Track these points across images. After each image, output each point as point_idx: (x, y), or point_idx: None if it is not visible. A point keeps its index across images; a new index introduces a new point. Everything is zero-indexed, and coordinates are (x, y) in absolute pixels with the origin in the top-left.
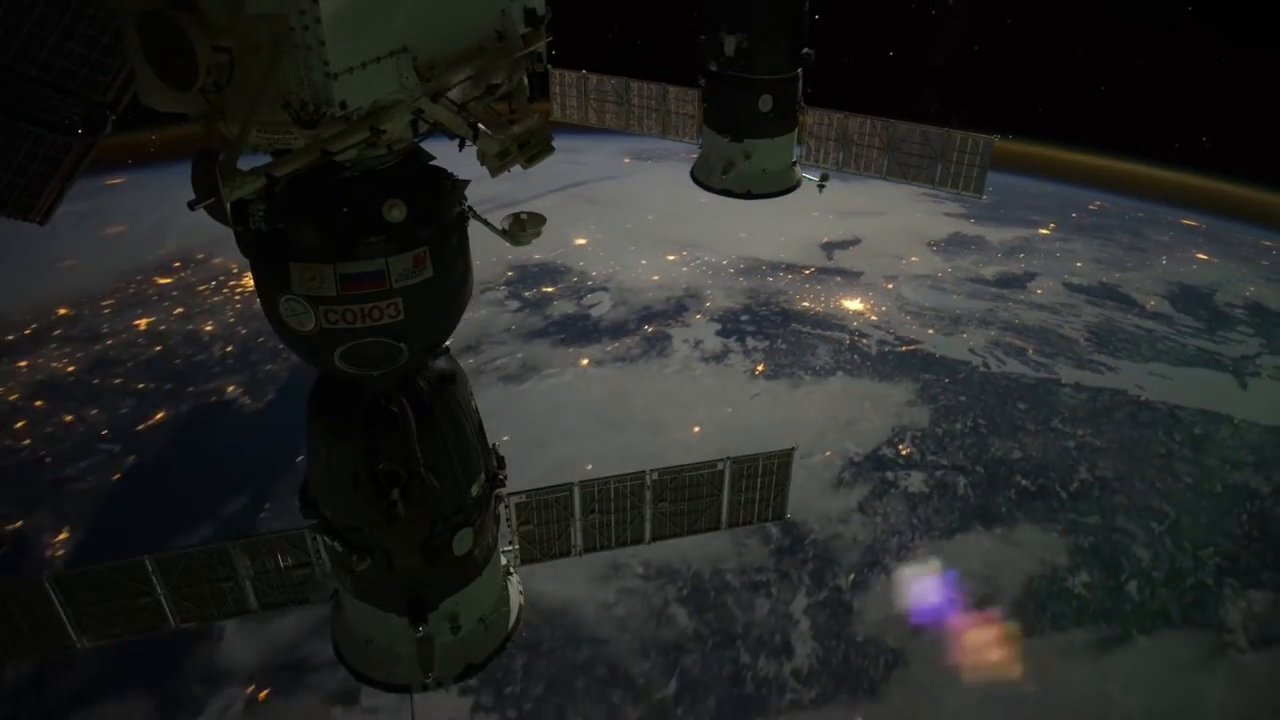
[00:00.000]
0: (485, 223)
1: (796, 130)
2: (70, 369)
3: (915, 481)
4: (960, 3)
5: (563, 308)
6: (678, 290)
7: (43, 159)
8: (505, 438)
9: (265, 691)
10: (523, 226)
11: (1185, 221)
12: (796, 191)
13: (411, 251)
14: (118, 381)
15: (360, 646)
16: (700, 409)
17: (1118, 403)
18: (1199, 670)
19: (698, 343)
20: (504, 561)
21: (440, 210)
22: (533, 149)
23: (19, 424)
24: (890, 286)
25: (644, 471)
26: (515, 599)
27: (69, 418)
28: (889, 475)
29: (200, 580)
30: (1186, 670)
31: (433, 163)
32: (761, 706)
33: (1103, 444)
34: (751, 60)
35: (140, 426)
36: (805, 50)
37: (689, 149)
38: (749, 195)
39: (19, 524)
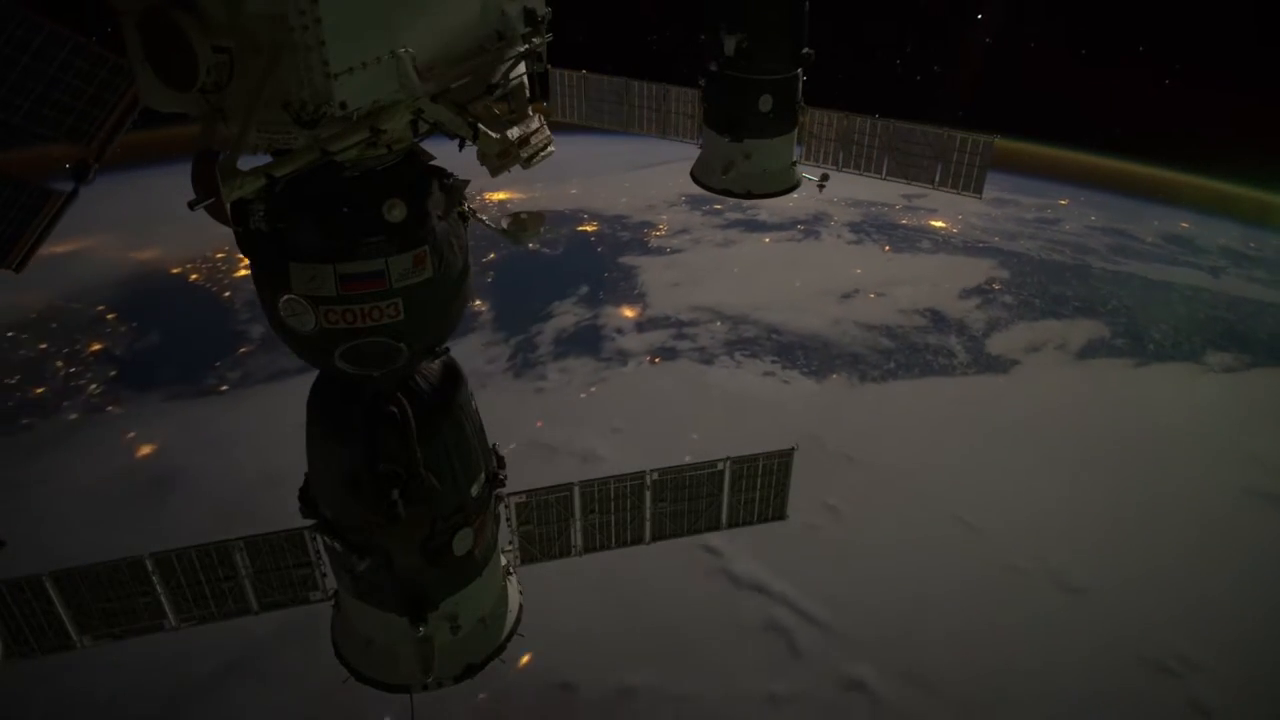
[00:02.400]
0: (485, 223)
1: (796, 130)
2: None
3: (1008, 300)
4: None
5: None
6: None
7: (21, 207)
8: None
9: None
10: (523, 226)
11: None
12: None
13: (411, 251)
14: None
15: (360, 646)
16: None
17: (1133, 278)
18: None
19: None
20: (504, 561)
21: (440, 210)
22: (533, 149)
23: None
24: (959, 217)
25: (644, 471)
26: (515, 599)
27: None
28: (989, 296)
29: (200, 580)
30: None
31: (433, 163)
32: None
33: (1125, 296)
34: (751, 60)
35: None
36: (805, 50)
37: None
38: (749, 195)
39: None
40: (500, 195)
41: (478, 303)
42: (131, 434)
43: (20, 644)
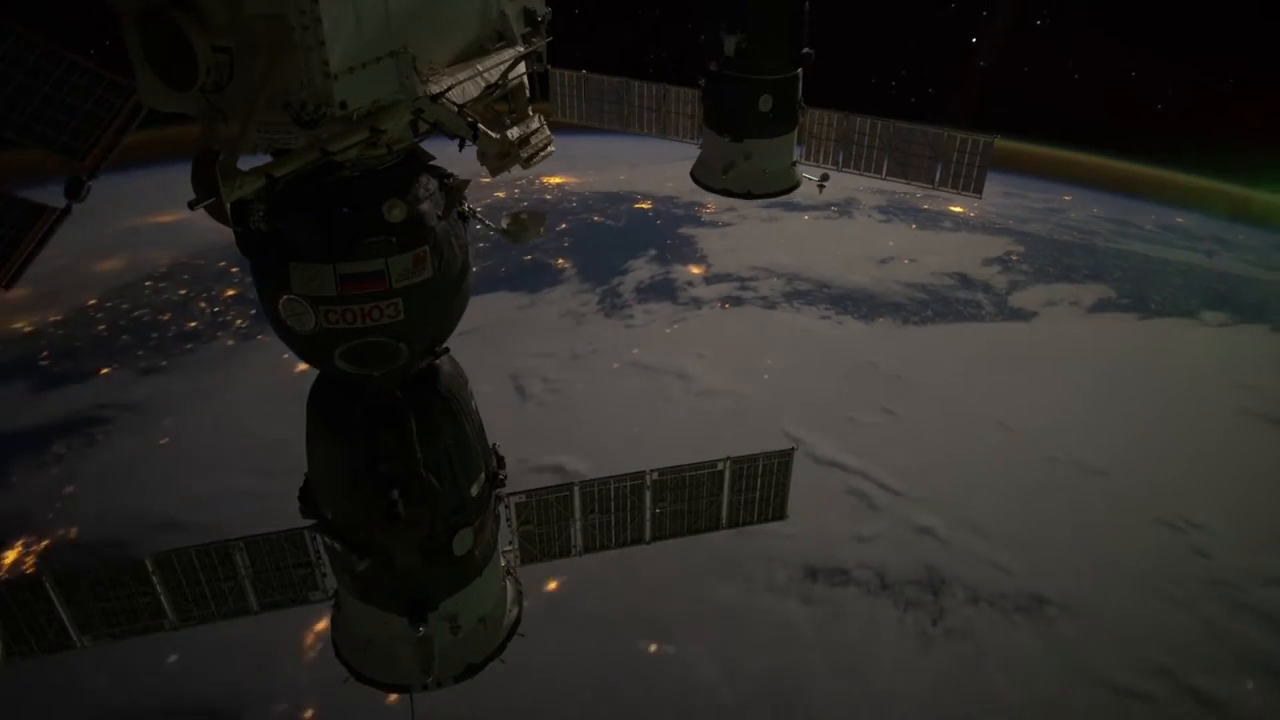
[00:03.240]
0: (486, 223)
1: (796, 130)
2: None
3: (1025, 268)
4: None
5: None
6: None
7: (12, 224)
8: None
9: None
10: (524, 226)
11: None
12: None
13: (411, 251)
14: None
15: (360, 646)
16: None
17: (1134, 254)
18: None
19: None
20: (504, 562)
21: (440, 210)
22: (533, 149)
23: None
24: (975, 204)
25: (644, 472)
26: (515, 599)
27: None
28: (1008, 263)
29: (200, 580)
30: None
31: (433, 163)
32: None
33: (1128, 268)
34: (751, 60)
35: None
36: (805, 50)
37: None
38: (749, 195)
39: None
40: (556, 179)
41: (560, 260)
42: (287, 354)
43: (20, 644)
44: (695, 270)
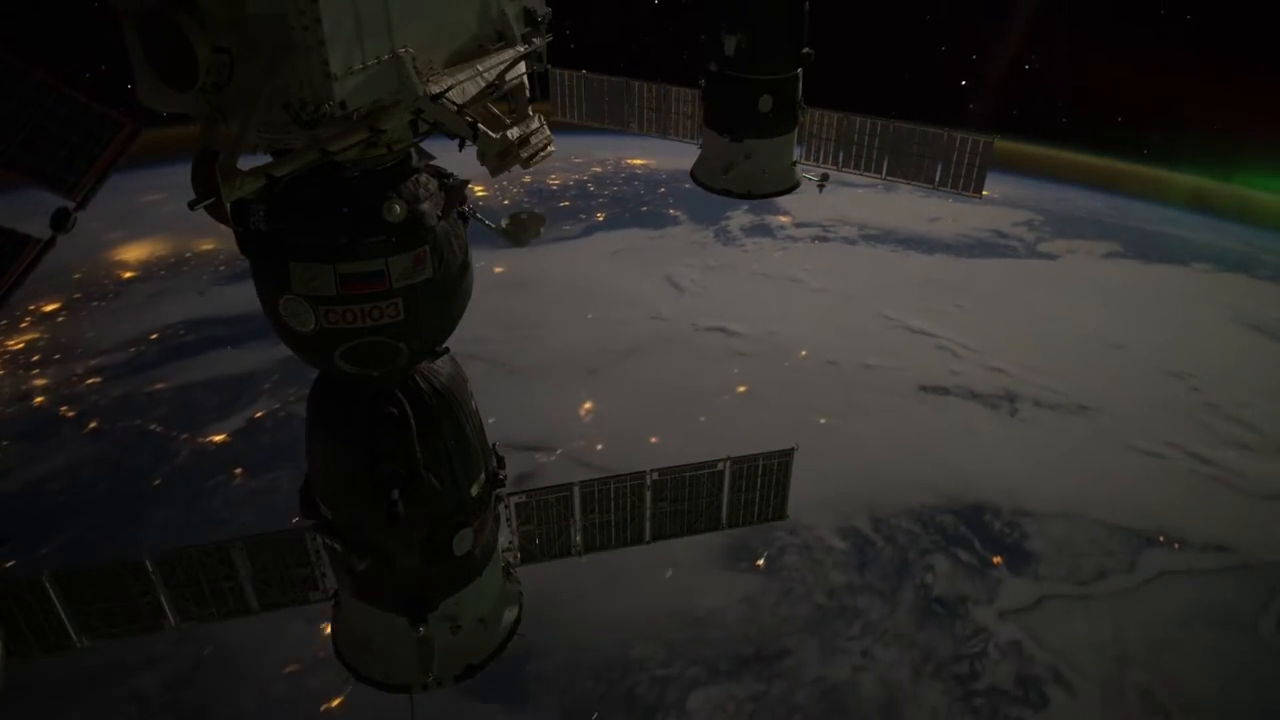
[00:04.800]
0: (485, 223)
1: (796, 130)
2: None
3: (1046, 229)
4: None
5: None
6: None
7: None
8: None
9: None
10: (523, 226)
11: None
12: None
13: (411, 251)
14: None
15: (360, 646)
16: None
17: (1135, 228)
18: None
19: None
20: (504, 562)
21: (440, 210)
22: (533, 149)
23: None
24: (989, 190)
25: (644, 472)
26: (515, 599)
27: None
28: (1031, 225)
29: (200, 580)
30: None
31: (433, 163)
32: None
33: (1130, 235)
34: (751, 60)
35: None
36: (805, 50)
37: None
38: (749, 195)
39: None
40: (637, 161)
41: (672, 209)
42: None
43: (20, 644)
44: (784, 219)
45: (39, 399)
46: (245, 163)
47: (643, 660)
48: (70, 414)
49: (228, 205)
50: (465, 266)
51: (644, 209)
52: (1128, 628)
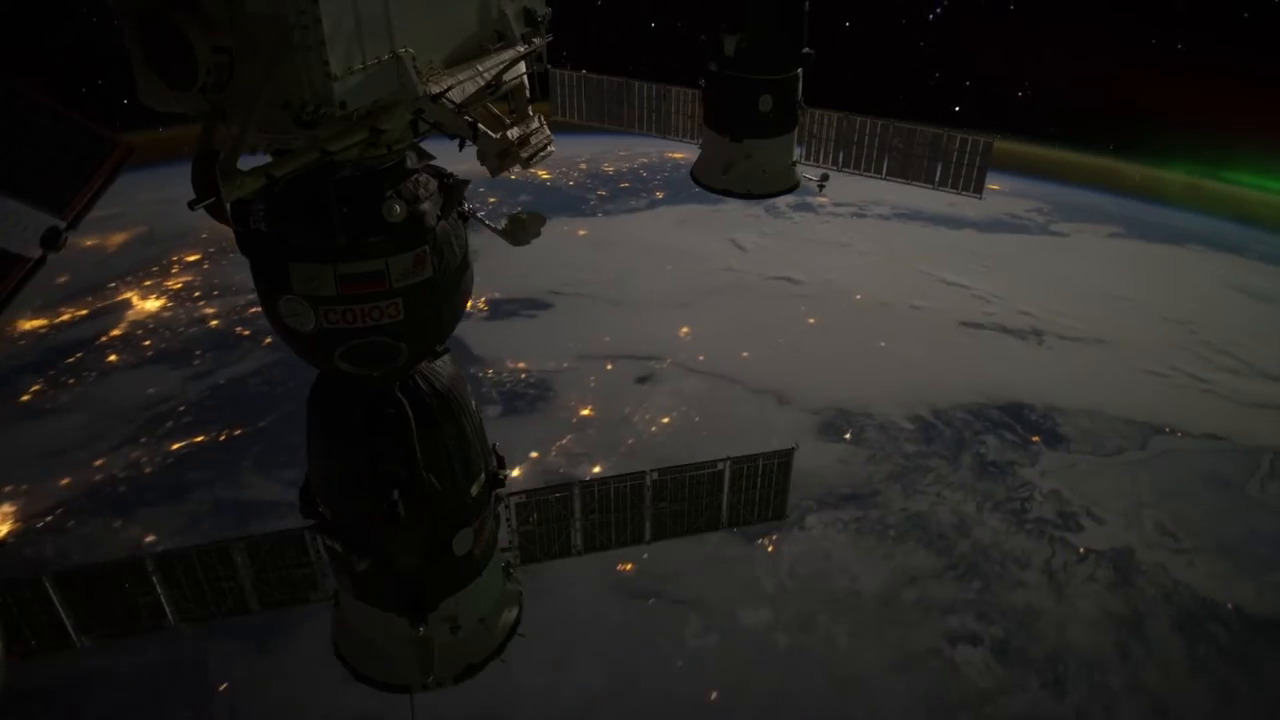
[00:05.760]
0: (485, 223)
1: (796, 130)
2: None
3: (1053, 214)
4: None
5: None
6: None
7: None
8: None
9: None
10: (523, 226)
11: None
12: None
13: (411, 251)
14: None
15: (360, 646)
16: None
17: (1135, 217)
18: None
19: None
20: (504, 562)
21: (440, 210)
22: (533, 149)
23: None
24: (990, 184)
25: (644, 472)
26: (515, 599)
27: None
28: (1040, 211)
29: (200, 580)
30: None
31: (433, 163)
32: None
33: (1131, 222)
34: (751, 60)
35: None
36: (805, 50)
37: None
38: (749, 195)
39: None
40: (678, 155)
41: None
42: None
43: (20, 644)
44: (823, 199)
45: (214, 323)
46: (245, 163)
47: None
48: (246, 333)
49: (228, 205)
50: (465, 266)
51: (696, 190)
52: (1143, 483)
